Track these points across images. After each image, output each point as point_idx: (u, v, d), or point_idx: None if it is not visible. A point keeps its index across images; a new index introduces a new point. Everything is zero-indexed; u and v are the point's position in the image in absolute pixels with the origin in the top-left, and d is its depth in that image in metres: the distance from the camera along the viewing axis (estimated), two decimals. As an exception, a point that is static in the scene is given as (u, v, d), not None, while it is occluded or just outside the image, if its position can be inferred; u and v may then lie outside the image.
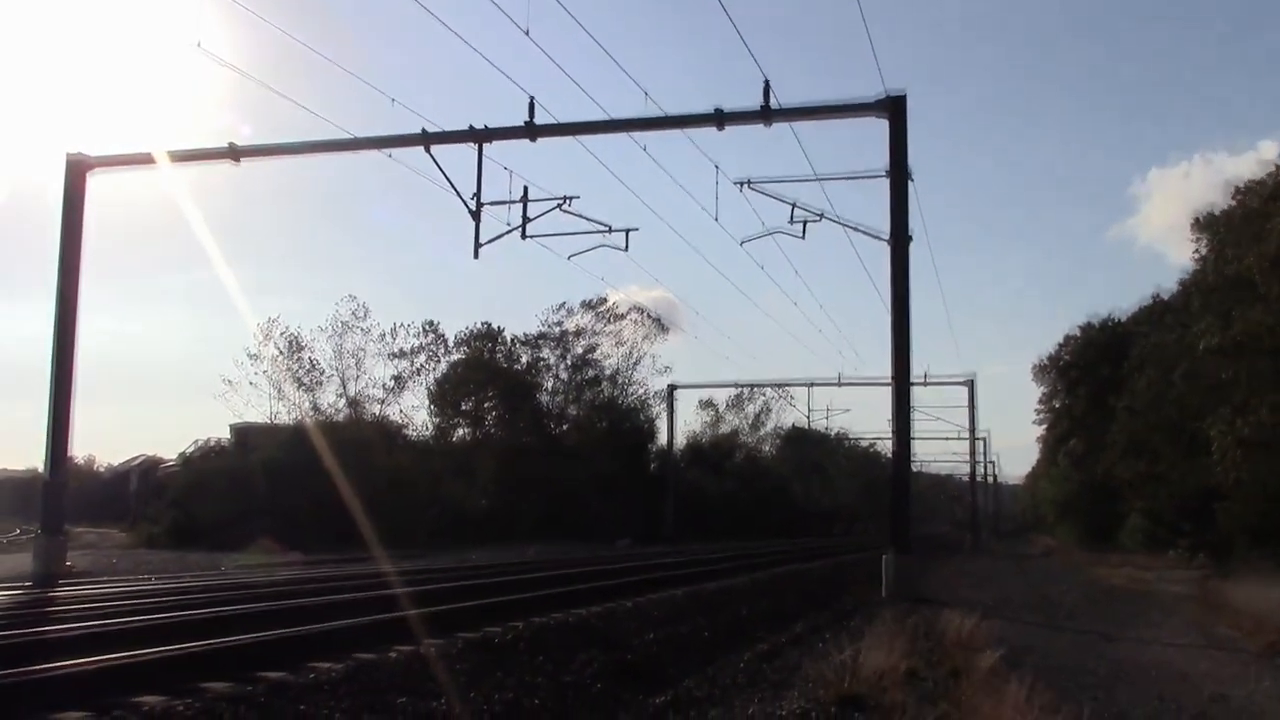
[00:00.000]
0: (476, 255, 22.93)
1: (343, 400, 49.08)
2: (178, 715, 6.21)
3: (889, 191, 19.60)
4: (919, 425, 53.86)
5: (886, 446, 49.15)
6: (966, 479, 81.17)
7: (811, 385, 60.21)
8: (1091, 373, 47.21)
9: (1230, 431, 26.77)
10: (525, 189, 23.49)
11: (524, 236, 23.63)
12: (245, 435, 45.65)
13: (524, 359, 60.46)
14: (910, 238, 19.57)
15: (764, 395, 79.32)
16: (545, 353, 61.38)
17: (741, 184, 22.72)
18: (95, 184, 23.54)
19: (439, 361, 55.46)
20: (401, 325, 53.21)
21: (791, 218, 22.93)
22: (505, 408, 57.75)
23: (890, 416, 20.44)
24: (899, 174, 19.66)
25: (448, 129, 22.02)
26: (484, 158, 22.02)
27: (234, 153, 22.69)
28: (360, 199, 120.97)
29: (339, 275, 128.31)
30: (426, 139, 21.77)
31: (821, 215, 22.77)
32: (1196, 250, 34.05)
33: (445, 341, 55.97)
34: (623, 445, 60.26)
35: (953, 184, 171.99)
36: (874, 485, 75.63)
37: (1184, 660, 10.86)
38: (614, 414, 62.26)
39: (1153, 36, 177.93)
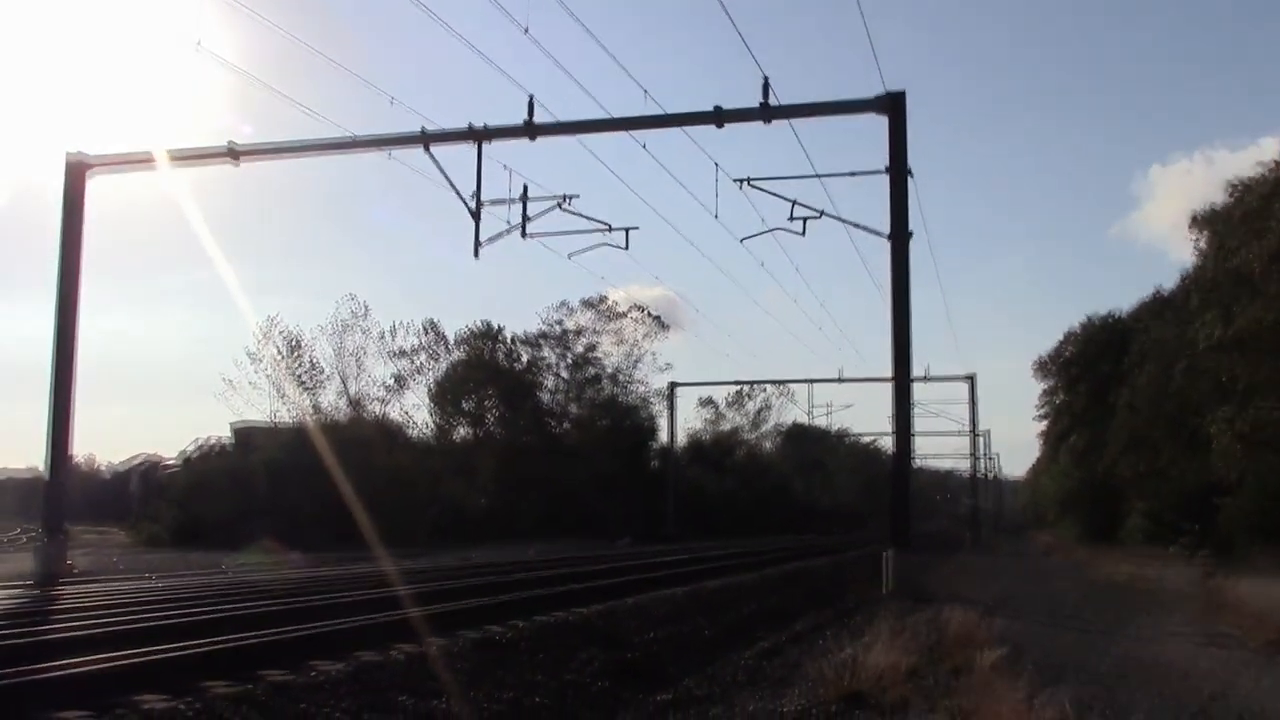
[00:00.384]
0: (477, 255, 22.96)
1: (343, 400, 49.15)
2: (179, 715, 6.21)
3: (888, 189, 19.61)
4: (919, 422, 54.15)
5: (887, 443, 49.47)
6: (967, 476, 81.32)
7: (812, 382, 60.33)
8: (1092, 369, 47.18)
9: (1230, 429, 26.77)
10: (525, 188, 23.51)
11: (524, 235, 23.65)
12: (246, 435, 45.66)
13: (524, 358, 60.58)
14: (910, 235, 19.57)
15: (764, 393, 79.47)
16: (546, 352, 61.50)
17: (741, 182, 22.66)
18: (95, 184, 23.55)
19: (439, 361, 55.56)
20: (401, 325, 53.35)
21: (791, 215, 22.87)
22: (506, 407, 57.79)
23: (891, 413, 20.50)
24: (898, 171, 19.65)
25: (447, 128, 22.02)
26: (483, 157, 22.03)
27: (234, 153, 22.65)
28: (360, 198, 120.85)
29: (339, 274, 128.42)
30: (426, 138, 21.75)
31: (821, 213, 22.71)
32: (1196, 246, 34.03)
33: (446, 341, 56.07)
34: (623, 444, 60.28)
35: (953, 181, 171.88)
36: (875, 482, 75.69)
37: (1185, 657, 10.85)
38: (615, 412, 62.27)
39: (1153, 33, 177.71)
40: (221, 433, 48.36)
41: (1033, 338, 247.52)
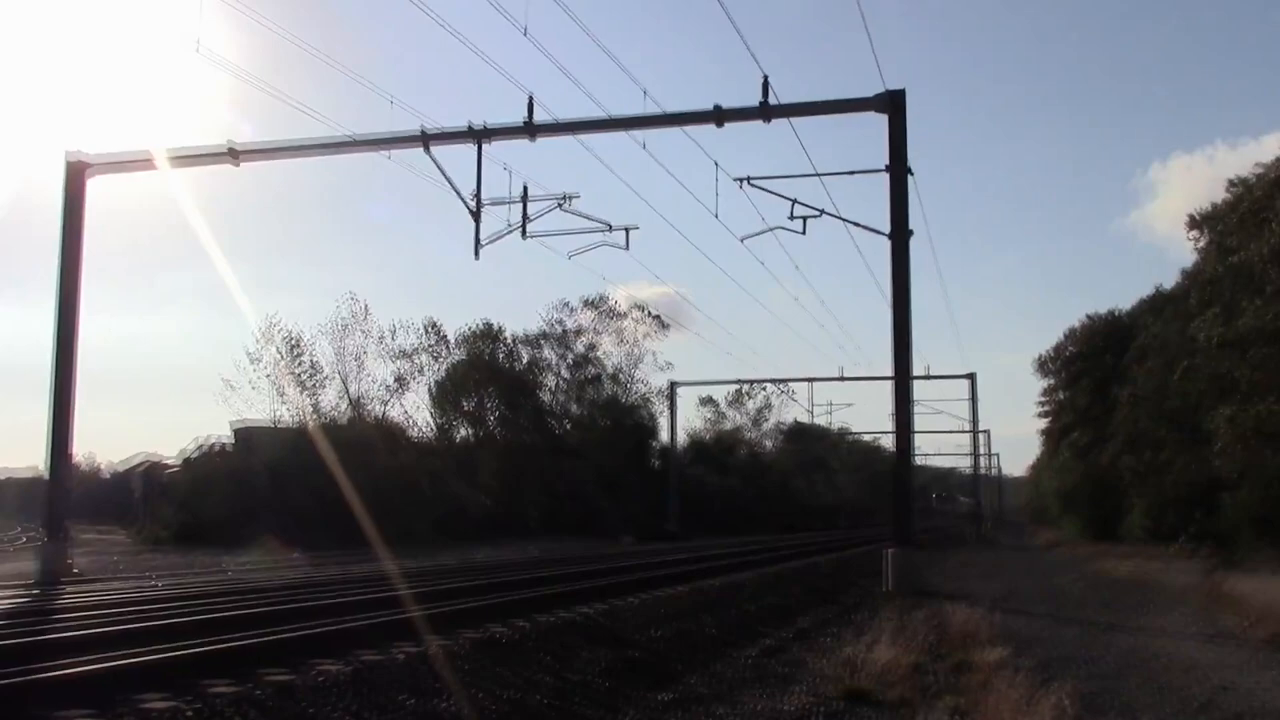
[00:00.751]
0: (477, 254, 22.93)
1: (344, 401, 49.09)
2: (180, 715, 6.19)
3: (889, 187, 19.58)
4: (920, 420, 54.10)
5: (888, 441, 49.42)
6: (968, 473, 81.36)
7: (813, 381, 60.17)
8: (1094, 365, 47.16)
9: (1232, 427, 26.74)
10: (525, 187, 23.50)
11: (524, 235, 23.63)
12: (247, 435, 45.62)
13: (525, 358, 60.52)
14: (910, 233, 19.55)
15: (765, 391, 79.42)
16: (546, 351, 61.46)
17: (741, 181, 22.64)
18: (95, 184, 23.53)
19: (440, 361, 55.50)
20: (402, 325, 53.26)
21: (791, 214, 22.82)
22: (506, 407, 57.74)
23: (892, 411, 20.50)
24: (899, 169, 19.63)
25: (447, 128, 22.01)
26: (483, 157, 22.03)
27: (234, 153, 22.65)
28: (360, 198, 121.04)
29: (339, 275, 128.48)
30: (426, 138, 21.74)
31: (822, 211, 22.67)
32: (1196, 245, 34.00)
33: (446, 341, 55.99)
34: (625, 443, 60.26)
35: (954, 179, 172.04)
36: (876, 480, 75.72)
37: (1190, 651, 10.85)
38: (616, 411, 62.25)
39: (1156, 31, 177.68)
40: (222, 431, 48.37)
41: (1033, 335, 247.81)
